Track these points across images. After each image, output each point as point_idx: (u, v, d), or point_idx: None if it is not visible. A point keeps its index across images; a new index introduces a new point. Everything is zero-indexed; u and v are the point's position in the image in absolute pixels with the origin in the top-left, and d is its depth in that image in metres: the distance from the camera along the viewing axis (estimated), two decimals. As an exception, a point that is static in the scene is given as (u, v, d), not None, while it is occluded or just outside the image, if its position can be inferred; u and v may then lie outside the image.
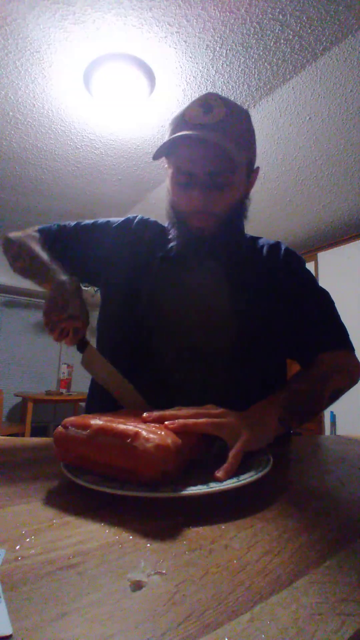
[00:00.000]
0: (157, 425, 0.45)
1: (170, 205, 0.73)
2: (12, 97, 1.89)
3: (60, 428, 0.45)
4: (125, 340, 0.74)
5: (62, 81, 1.78)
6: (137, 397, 0.61)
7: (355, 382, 0.75)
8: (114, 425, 0.42)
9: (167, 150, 0.67)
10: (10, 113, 2.01)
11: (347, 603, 0.24)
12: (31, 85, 1.81)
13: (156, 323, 0.72)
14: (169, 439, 0.41)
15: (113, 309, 0.79)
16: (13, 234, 0.83)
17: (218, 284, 0.74)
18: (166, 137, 0.69)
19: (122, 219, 0.85)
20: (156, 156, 0.67)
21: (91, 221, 0.86)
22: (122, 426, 0.42)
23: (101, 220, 0.86)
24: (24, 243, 0.78)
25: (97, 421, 0.43)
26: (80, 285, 0.68)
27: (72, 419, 0.46)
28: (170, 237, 0.77)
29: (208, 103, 0.65)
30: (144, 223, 0.83)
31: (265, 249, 0.80)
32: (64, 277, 0.67)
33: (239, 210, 0.73)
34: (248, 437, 0.46)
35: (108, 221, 0.85)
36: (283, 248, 0.82)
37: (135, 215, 0.85)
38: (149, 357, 0.71)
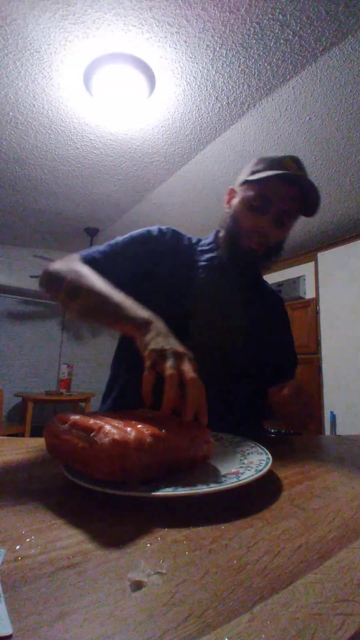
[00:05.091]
0: (142, 423, 0.43)
1: (231, 220, 0.82)
2: (12, 97, 1.89)
3: (50, 421, 0.47)
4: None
5: (62, 81, 1.78)
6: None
7: None
8: (86, 419, 0.42)
9: (266, 180, 0.75)
10: (10, 113, 2.01)
11: (347, 603, 0.24)
12: (31, 85, 1.81)
13: (195, 323, 0.78)
14: (132, 435, 0.39)
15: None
16: (57, 267, 0.71)
17: (247, 300, 0.87)
18: (246, 169, 0.82)
19: (156, 229, 0.87)
20: (256, 179, 0.75)
21: (128, 236, 0.84)
22: (92, 421, 0.42)
23: (136, 233, 0.85)
24: (80, 277, 0.66)
25: (75, 416, 0.44)
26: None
27: (62, 413, 0.47)
28: (204, 248, 0.89)
29: (298, 163, 0.79)
30: (177, 235, 0.90)
31: (269, 289, 0.98)
32: (149, 316, 0.58)
33: (279, 249, 0.85)
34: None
35: (149, 230, 0.86)
36: (279, 293, 1.02)
37: (167, 227, 0.89)
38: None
